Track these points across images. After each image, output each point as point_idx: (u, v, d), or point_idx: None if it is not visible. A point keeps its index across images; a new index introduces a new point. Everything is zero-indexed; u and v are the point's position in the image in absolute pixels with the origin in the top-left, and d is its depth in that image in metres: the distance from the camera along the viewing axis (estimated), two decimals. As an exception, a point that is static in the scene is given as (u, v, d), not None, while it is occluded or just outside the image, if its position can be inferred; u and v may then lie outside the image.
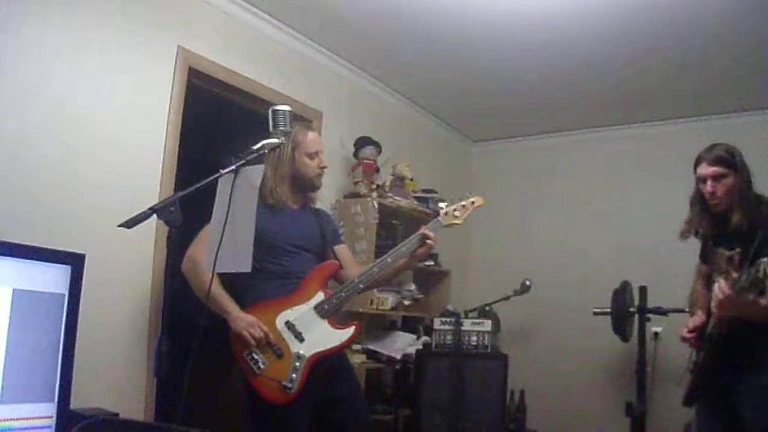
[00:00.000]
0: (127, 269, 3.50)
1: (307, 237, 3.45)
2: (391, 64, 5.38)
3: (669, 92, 5.62)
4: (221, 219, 2.64)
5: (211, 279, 2.66)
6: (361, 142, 4.95)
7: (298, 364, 3.16)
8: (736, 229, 3.08)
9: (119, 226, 2.33)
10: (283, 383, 3.12)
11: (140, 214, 2.35)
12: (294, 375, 3.14)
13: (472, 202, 3.57)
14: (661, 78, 5.31)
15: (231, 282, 3.27)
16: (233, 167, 2.66)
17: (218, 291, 3.23)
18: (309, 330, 3.24)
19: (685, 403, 3.36)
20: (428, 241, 3.36)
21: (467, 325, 4.50)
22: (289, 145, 3.39)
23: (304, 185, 3.48)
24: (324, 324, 3.27)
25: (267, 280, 3.33)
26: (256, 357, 3.16)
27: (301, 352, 3.19)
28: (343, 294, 3.34)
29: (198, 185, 2.64)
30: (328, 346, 3.25)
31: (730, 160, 3.18)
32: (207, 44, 4.13)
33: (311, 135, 3.48)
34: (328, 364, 3.31)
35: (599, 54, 4.93)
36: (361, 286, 3.37)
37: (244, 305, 3.27)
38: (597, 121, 6.42)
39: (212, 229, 2.64)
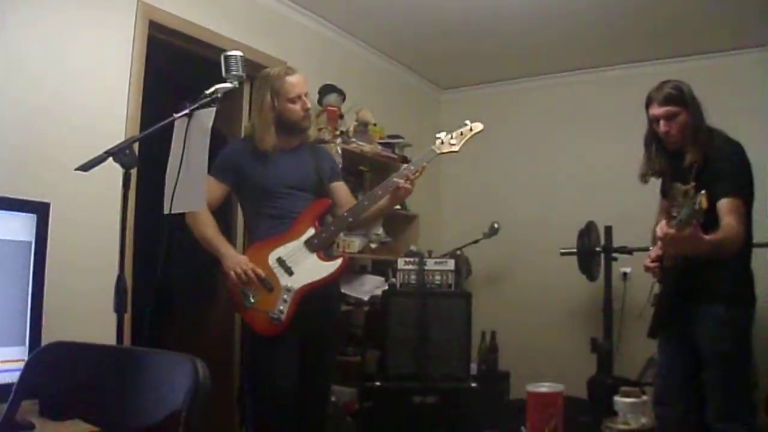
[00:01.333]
0: (95, 214, 3.53)
1: (301, 177, 3.52)
2: (356, 13, 5.39)
3: (630, 36, 5.67)
4: (177, 161, 2.73)
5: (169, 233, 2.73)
6: (325, 90, 5.00)
7: (286, 296, 3.29)
8: (693, 164, 3.11)
9: (76, 169, 2.40)
10: (270, 314, 3.25)
11: (96, 158, 2.43)
12: (282, 307, 3.27)
13: (470, 129, 3.55)
14: (622, 21, 5.36)
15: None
16: (186, 111, 2.74)
17: (213, 235, 3.40)
18: (298, 264, 3.35)
19: (649, 334, 3.41)
20: (404, 183, 3.38)
21: (430, 264, 4.56)
22: (268, 93, 3.46)
23: (292, 129, 3.53)
24: (313, 257, 3.38)
25: (263, 222, 3.48)
26: (247, 291, 3.30)
27: (289, 284, 3.32)
28: (333, 228, 3.46)
29: (151, 129, 2.73)
30: (317, 278, 3.36)
31: (680, 98, 3.19)
32: (167, -3, 4.13)
33: (291, 79, 3.49)
34: (319, 317, 3.44)
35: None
36: (350, 219, 3.45)
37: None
38: (564, 65, 6.49)
39: (169, 172, 2.74)
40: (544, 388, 2.11)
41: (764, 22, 5.18)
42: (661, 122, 3.23)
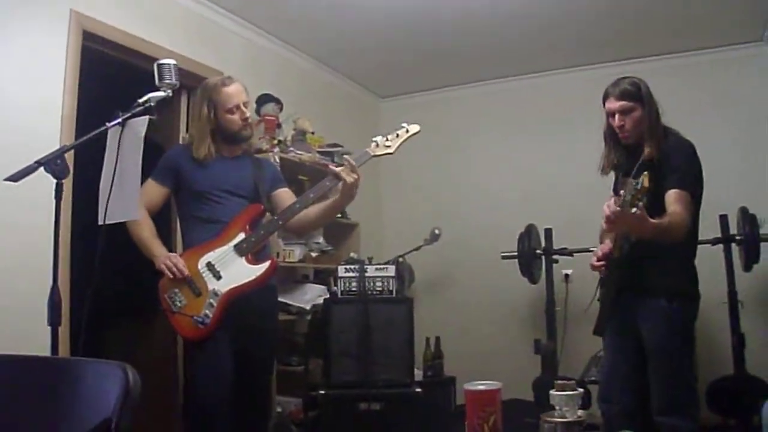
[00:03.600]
0: (28, 225, 3.46)
1: (236, 182, 3.51)
2: (292, 23, 5.40)
3: (570, 41, 5.80)
4: (110, 170, 2.70)
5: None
6: (263, 99, 4.98)
7: (212, 300, 3.26)
8: (648, 159, 3.15)
9: (5, 179, 2.38)
10: (195, 318, 3.20)
11: (26, 168, 2.40)
12: (207, 311, 3.24)
13: (407, 131, 3.53)
14: (563, 27, 5.47)
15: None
16: (119, 120, 2.72)
17: (148, 238, 3.40)
18: (226, 268, 3.33)
19: (595, 332, 3.45)
20: (344, 178, 3.30)
21: (371, 271, 4.55)
22: (205, 104, 3.46)
23: (232, 138, 3.53)
24: (241, 261, 3.35)
25: (197, 227, 3.47)
26: (174, 297, 3.29)
27: (216, 288, 3.28)
28: (262, 232, 3.42)
29: (84, 138, 2.71)
30: (243, 281, 3.33)
31: (636, 94, 3.25)
32: (102, 7, 4.08)
33: (228, 90, 3.47)
34: (254, 317, 3.42)
35: (500, 6, 5.08)
36: (279, 222, 3.45)
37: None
38: (501, 72, 6.57)
39: (102, 181, 2.71)
40: (481, 386, 2.11)
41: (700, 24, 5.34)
42: (617, 116, 3.28)
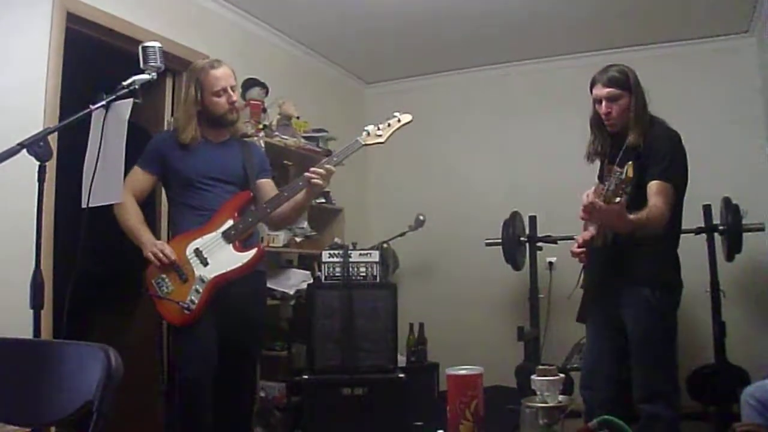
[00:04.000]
0: (11, 208, 3.45)
1: (225, 169, 3.50)
2: (279, 7, 5.39)
3: (557, 29, 5.81)
4: (94, 153, 2.69)
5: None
6: (248, 84, 4.97)
7: (198, 287, 3.27)
8: (632, 148, 3.17)
9: (-14, 162, 2.36)
10: (181, 304, 3.23)
11: (9, 150, 2.38)
12: (193, 297, 3.25)
13: (398, 120, 3.51)
14: (550, 15, 5.48)
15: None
16: (103, 103, 2.71)
17: (136, 225, 3.40)
18: (214, 254, 3.34)
19: (578, 319, 3.44)
20: (314, 181, 3.31)
21: (355, 256, 4.55)
22: (192, 86, 3.46)
23: (218, 122, 3.52)
24: (229, 248, 3.36)
25: (185, 214, 3.47)
26: (161, 282, 3.30)
27: (203, 275, 3.29)
28: (250, 219, 3.42)
29: (68, 120, 2.69)
30: (230, 268, 3.33)
31: (623, 81, 3.24)
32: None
33: (215, 72, 3.46)
34: (241, 302, 3.42)
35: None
36: (268, 210, 3.43)
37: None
38: (488, 59, 6.59)
39: (86, 164, 2.70)
40: (463, 370, 2.12)
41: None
42: (603, 103, 3.27)
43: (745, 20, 5.48)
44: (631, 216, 2.82)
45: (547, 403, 1.88)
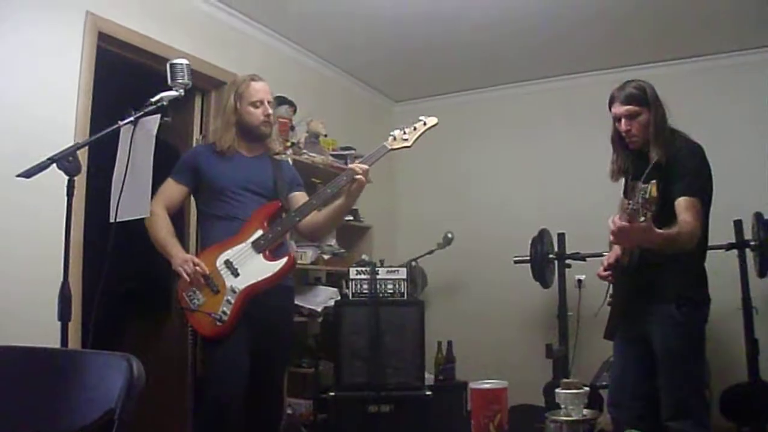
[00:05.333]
0: (44, 222, 3.43)
1: (256, 181, 3.54)
2: (308, 28, 5.46)
3: (587, 47, 5.80)
4: (122, 168, 2.73)
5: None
6: (276, 102, 4.98)
7: (230, 297, 3.27)
8: (655, 163, 3.09)
9: (18, 176, 2.40)
10: (213, 315, 3.24)
11: (39, 164, 2.43)
12: (225, 308, 3.26)
13: (424, 123, 3.52)
14: (579, 33, 5.50)
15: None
16: (131, 119, 2.76)
17: (165, 238, 3.41)
18: (244, 265, 3.34)
19: (606, 336, 3.43)
20: (357, 177, 3.34)
21: (383, 273, 4.54)
22: (232, 95, 3.54)
23: (251, 133, 3.58)
24: (259, 258, 3.36)
25: (214, 224, 3.49)
26: (193, 295, 3.31)
27: (234, 285, 3.29)
28: (279, 228, 3.43)
29: (97, 135, 2.74)
30: (261, 278, 3.33)
31: (642, 97, 3.21)
32: (118, 9, 4.12)
33: (255, 85, 3.56)
34: (271, 317, 3.44)
35: (516, 12, 5.11)
36: (297, 219, 3.44)
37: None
38: (515, 76, 6.59)
39: (114, 178, 2.74)
40: (487, 384, 2.12)
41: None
42: (623, 121, 3.25)
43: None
44: (660, 231, 2.79)
45: (571, 416, 1.86)
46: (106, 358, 1.67)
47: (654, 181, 2.59)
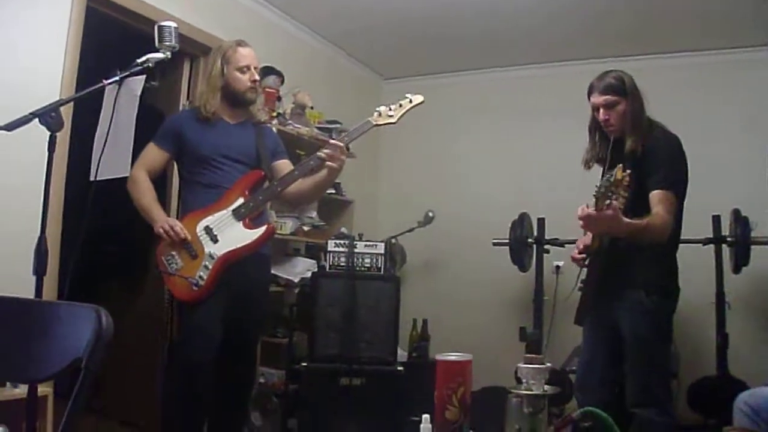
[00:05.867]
0: (24, 177, 3.43)
1: (238, 149, 3.55)
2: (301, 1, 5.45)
3: (575, 35, 5.81)
4: (105, 127, 2.73)
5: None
6: (264, 72, 4.97)
7: (207, 263, 3.31)
8: (631, 153, 3.17)
9: (-1, 128, 2.41)
10: (190, 280, 3.27)
11: (21, 118, 2.43)
12: (202, 273, 3.30)
13: (410, 101, 3.54)
14: (568, 20, 5.50)
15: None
16: (116, 78, 2.76)
17: (149, 203, 3.46)
18: (223, 232, 3.38)
19: (576, 321, 3.50)
20: (328, 164, 3.36)
21: (360, 247, 4.55)
22: (219, 60, 3.55)
23: (237, 99, 3.59)
24: (239, 226, 3.40)
25: (196, 191, 3.52)
26: (171, 259, 3.35)
27: (212, 251, 3.33)
28: (260, 197, 3.46)
29: (80, 93, 2.75)
30: (239, 245, 3.38)
31: (620, 88, 3.25)
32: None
33: (242, 50, 3.58)
34: (248, 285, 3.49)
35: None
36: (278, 189, 3.48)
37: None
38: (503, 60, 6.59)
39: (96, 137, 2.75)
40: (452, 357, 2.14)
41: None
42: (601, 110, 3.29)
43: (763, 33, 5.46)
44: (628, 220, 2.84)
45: (532, 390, 1.90)
46: (75, 309, 1.69)
47: (620, 165, 2.64)
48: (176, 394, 3.46)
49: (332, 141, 3.45)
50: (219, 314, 3.37)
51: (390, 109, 3.51)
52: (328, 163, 3.35)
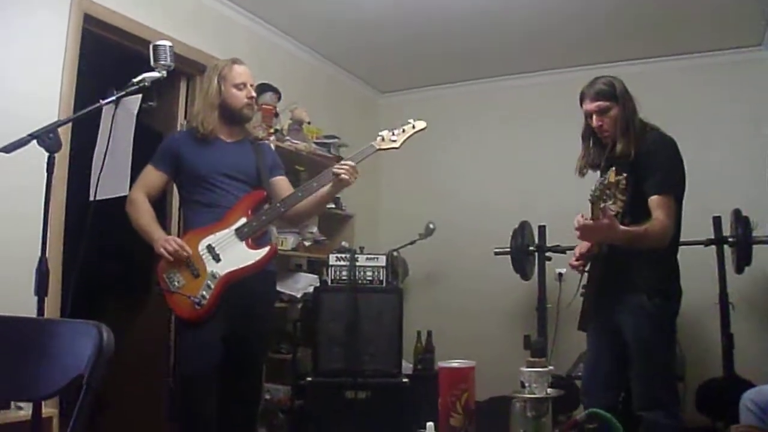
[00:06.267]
0: (24, 201, 3.41)
1: (238, 167, 3.54)
2: (295, 17, 5.47)
3: (569, 42, 5.84)
4: (103, 147, 2.75)
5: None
6: (261, 88, 4.99)
7: (210, 282, 3.30)
8: (624, 156, 3.16)
9: (-2, 151, 2.41)
10: (192, 299, 3.25)
11: (19, 140, 2.44)
12: (204, 292, 3.29)
13: (413, 126, 3.57)
14: (563, 28, 5.54)
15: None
16: (113, 98, 2.77)
17: (148, 223, 3.44)
18: (226, 251, 3.37)
19: (579, 327, 3.47)
20: (342, 177, 3.39)
21: (362, 260, 4.55)
22: (215, 78, 3.54)
23: (234, 116, 3.58)
24: (242, 246, 3.40)
25: (196, 210, 3.51)
26: (173, 277, 3.34)
27: (215, 271, 3.33)
28: (264, 217, 3.46)
29: (78, 114, 2.76)
30: (242, 265, 3.37)
31: (610, 93, 3.25)
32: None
33: (238, 68, 3.58)
34: (252, 302, 3.46)
35: (501, 5, 5.16)
36: (282, 209, 3.48)
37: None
38: (499, 70, 6.63)
39: (95, 157, 2.76)
40: (455, 363, 2.14)
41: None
42: (594, 117, 3.29)
43: (758, 34, 5.48)
44: (625, 228, 2.85)
45: (534, 394, 1.90)
46: (76, 326, 1.69)
47: (613, 168, 2.65)
48: (180, 413, 3.46)
49: (345, 160, 3.48)
50: (220, 332, 3.36)
51: (393, 134, 3.55)
52: (343, 176, 3.38)
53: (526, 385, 1.93)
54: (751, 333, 5.26)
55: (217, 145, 3.55)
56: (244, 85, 3.56)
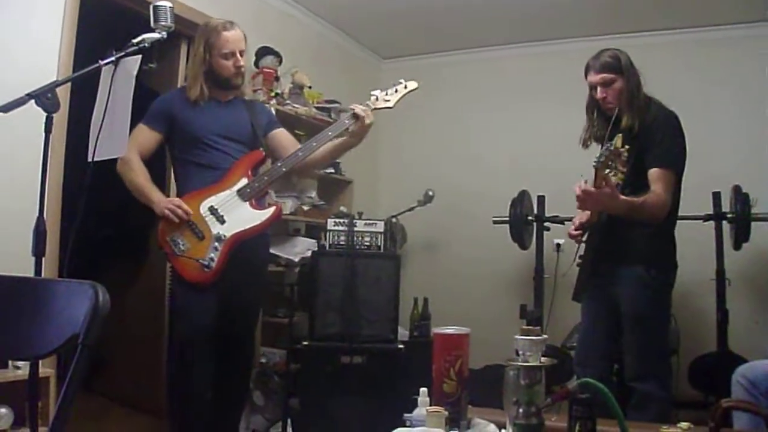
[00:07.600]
0: (22, 160, 3.46)
1: (232, 127, 3.54)
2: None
3: (572, 13, 5.79)
4: (101, 108, 2.73)
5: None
6: (262, 52, 4.99)
7: (217, 244, 3.32)
8: (628, 129, 3.19)
9: (-5, 110, 2.40)
10: (201, 262, 3.27)
11: (17, 100, 2.43)
12: (213, 254, 3.31)
13: (405, 86, 3.62)
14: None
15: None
16: (112, 59, 2.75)
17: (143, 183, 3.41)
18: (230, 212, 3.38)
19: (574, 297, 3.53)
20: (361, 115, 3.43)
21: (360, 225, 4.54)
22: (202, 45, 3.49)
23: (222, 84, 3.56)
24: (245, 206, 3.41)
25: (192, 172, 3.50)
26: (177, 240, 3.33)
27: (221, 232, 3.34)
28: (266, 178, 3.47)
29: (76, 74, 2.75)
30: (248, 226, 3.40)
31: (616, 65, 3.28)
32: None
33: (227, 34, 3.49)
34: (246, 265, 3.47)
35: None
36: (283, 169, 3.49)
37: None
38: (503, 38, 6.58)
39: (93, 118, 2.74)
40: (449, 330, 2.15)
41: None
42: (598, 89, 3.32)
43: (760, 9, 5.44)
44: (625, 197, 2.86)
45: (528, 362, 1.91)
46: (71, 286, 1.69)
47: (620, 135, 2.66)
48: (176, 372, 3.48)
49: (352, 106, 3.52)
50: (216, 295, 3.39)
51: (386, 94, 3.58)
52: (364, 117, 3.44)
53: (520, 353, 1.94)
54: (746, 309, 5.29)
55: (210, 106, 3.54)
56: (233, 53, 3.50)
